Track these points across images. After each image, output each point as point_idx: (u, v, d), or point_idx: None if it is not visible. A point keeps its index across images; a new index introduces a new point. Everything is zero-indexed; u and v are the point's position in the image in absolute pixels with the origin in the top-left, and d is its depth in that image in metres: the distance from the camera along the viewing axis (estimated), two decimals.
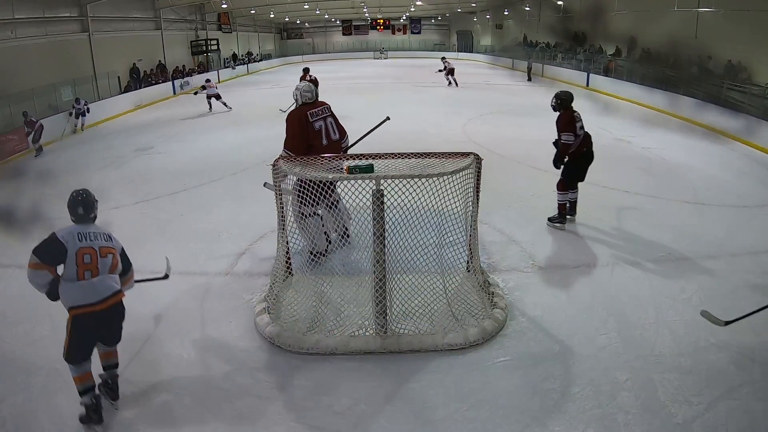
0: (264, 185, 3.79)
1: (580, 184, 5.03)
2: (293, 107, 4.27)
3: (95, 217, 2.70)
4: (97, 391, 2.64)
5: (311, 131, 4.07)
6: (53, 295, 2.52)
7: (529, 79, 18.93)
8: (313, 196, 3.45)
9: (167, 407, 2.75)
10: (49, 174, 7.85)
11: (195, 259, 4.51)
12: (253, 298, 3.80)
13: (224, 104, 13.20)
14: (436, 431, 2.59)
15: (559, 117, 4.80)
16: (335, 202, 4.05)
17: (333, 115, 4.27)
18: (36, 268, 2.44)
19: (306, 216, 3.79)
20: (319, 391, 2.85)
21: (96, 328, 2.57)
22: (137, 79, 16.16)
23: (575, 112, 4.78)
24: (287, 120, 4.16)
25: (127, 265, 2.78)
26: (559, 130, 4.77)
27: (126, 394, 2.84)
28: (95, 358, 2.70)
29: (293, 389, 2.87)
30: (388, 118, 4.96)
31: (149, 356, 3.19)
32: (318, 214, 3.96)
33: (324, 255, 3.90)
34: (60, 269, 2.51)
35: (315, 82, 11.49)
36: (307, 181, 3.48)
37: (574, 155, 4.79)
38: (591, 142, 4.87)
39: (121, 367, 3.04)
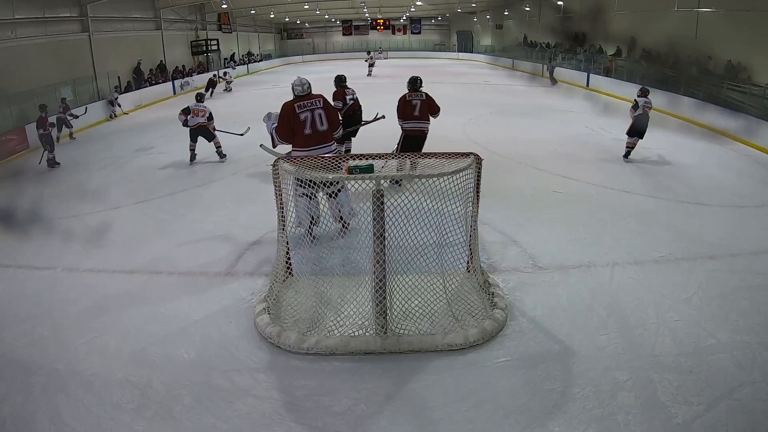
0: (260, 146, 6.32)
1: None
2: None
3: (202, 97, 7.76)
4: (195, 152, 7.68)
5: (296, 121, 4.49)
6: (184, 124, 7.49)
7: (554, 83, 17.43)
8: (306, 181, 3.58)
9: (167, 407, 2.75)
10: (49, 174, 7.86)
11: (195, 259, 4.51)
12: (253, 298, 3.80)
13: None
14: (436, 431, 2.59)
15: (334, 92, 6.62)
16: (333, 194, 4.31)
17: (326, 108, 4.59)
18: (181, 115, 7.47)
19: (299, 195, 3.90)
20: (319, 391, 2.85)
21: (197, 133, 7.51)
22: (140, 79, 16.15)
23: (348, 88, 6.75)
24: (281, 107, 4.67)
25: (209, 117, 7.47)
26: (334, 99, 6.55)
27: (126, 395, 2.85)
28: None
29: (293, 389, 2.87)
30: (383, 116, 6.63)
31: (149, 356, 3.18)
32: (309, 196, 4.07)
33: (310, 233, 3.95)
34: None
35: (212, 83, 15.91)
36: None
37: (346, 115, 6.60)
38: (360, 107, 6.77)
39: (120, 368, 3.06)
